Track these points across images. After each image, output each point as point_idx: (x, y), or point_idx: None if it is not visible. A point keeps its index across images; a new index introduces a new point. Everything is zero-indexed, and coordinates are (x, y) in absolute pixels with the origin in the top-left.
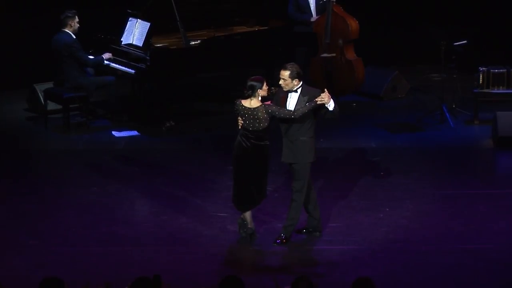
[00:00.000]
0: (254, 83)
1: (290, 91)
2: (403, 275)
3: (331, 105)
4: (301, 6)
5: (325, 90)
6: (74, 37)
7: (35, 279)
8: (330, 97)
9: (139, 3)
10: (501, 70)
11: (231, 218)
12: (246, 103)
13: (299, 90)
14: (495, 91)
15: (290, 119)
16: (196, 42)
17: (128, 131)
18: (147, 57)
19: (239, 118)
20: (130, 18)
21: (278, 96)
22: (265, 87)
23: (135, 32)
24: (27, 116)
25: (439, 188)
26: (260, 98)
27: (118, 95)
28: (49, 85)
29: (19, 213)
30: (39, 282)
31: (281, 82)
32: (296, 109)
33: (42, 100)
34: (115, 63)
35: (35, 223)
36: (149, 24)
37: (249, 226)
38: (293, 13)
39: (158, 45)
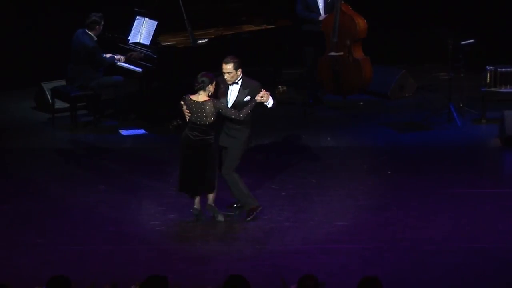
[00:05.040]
0: (205, 79)
1: (232, 83)
2: (410, 274)
3: (270, 103)
4: (309, 5)
5: (262, 89)
6: (95, 39)
7: (42, 278)
8: (269, 94)
9: (147, 2)
10: (508, 69)
11: (238, 218)
12: (194, 97)
13: (240, 82)
14: (503, 90)
15: (236, 120)
16: (203, 41)
17: (136, 130)
18: (155, 56)
19: (186, 110)
20: (137, 17)
21: (219, 90)
22: (214, 85)
23: (142, 30)
24: (34, 115)
25: (446, 187)
26: (209, 94)
27: (126, 93)
28: (57, 83)
29: (26, 212)
30: (47, 281)
31: (226, 76)
32: (240, 111)
33: (50, 99)
34: (123, 62)
35: (42, 222)
36: (156, 22)
37: (195, 206)
38: (301, 12)
39: (166, 43)
